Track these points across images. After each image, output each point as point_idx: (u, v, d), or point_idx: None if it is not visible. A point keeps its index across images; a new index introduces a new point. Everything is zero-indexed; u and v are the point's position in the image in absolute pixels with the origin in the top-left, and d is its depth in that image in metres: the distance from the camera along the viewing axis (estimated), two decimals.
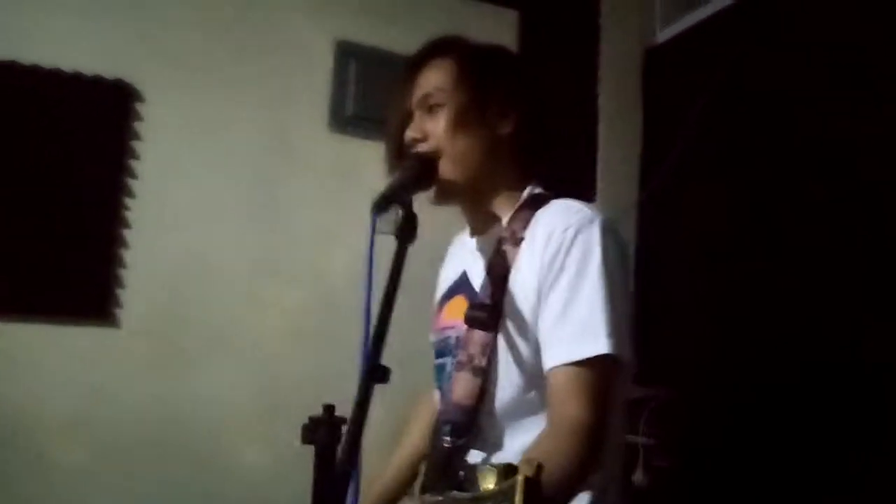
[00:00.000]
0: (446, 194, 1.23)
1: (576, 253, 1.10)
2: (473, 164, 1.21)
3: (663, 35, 2.76)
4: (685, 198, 2.54)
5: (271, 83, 2.32)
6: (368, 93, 2.39)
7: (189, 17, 2.23)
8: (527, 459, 0.72)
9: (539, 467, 0.70)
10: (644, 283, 2.68)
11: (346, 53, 2.40)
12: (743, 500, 2.00)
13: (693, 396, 2.23)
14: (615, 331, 1.07)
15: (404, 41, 2.50)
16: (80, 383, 2.01)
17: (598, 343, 1.06)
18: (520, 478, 0.62)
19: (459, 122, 1.19)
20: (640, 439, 2.12)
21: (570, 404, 1.05)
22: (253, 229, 2.26)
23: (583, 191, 2.72)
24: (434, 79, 1.23)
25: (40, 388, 1.97)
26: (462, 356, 1.16)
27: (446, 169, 1.20)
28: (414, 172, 1.13)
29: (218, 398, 2.15)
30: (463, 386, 1.15)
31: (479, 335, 1.15)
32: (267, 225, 2.28)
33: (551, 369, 1.09)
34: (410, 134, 1.22)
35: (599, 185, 2.74)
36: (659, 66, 2.77)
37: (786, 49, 2.19)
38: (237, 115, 2.27)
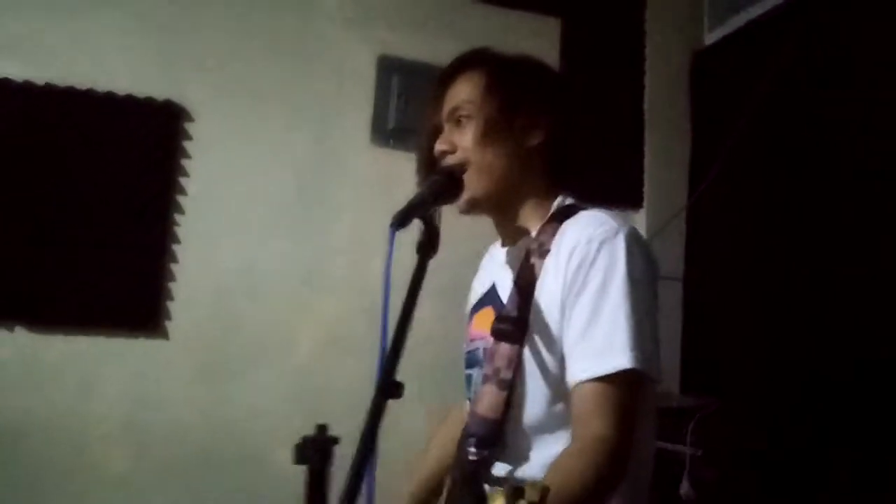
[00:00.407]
0: (473, 206, 1.22)
1: (600, 265, 1.09)
2: (500, 176, 1.21)
3: (711, 37, 2.70)
4: (734, 203, 2.47)
5: (315, 99, 2.37)
6: (410, 106, 2.42)
7: (234, 37, 2.30)
8: (532, 483, 0.71)
9: (544, 490, 0.69)
10: (691, 291, 2.63)
11: (388, 68, 2.44)
12: None
13: (741, 406, 2.16)
14: (639, 345, 1.05)
15: (446, 53, 2.50)
16: (131, 393, 2.09)
17: (621, 358, 1.04)
18: (522, 502, 0.62)
19: (487, 134, 1.19)
20: (687, 450, 2.06)
21: (593, 421, 1.04)
22: (297, 241, 2.31)
23: (630, 198, 2.68)
24: (463, 92, 1.24)
25: (92, 399, 2.06)
26: (488, 369, 1.16)
27: (473, 180, 1.20)
28: (436, 187, 1.13)
29: (264, 407, 2.20)
30: (488, 399, 1.15)
31: (505, 348, 1.15)
32: (311, 237, 2.33)
33: (575, 385, 1.08)
34: (439, 146, 1.23)
35: (647, 191, 2.69)
36: (707, 68, 2.71)
37: (836, 49, 2.11)
38: (281, 131, 2.33)
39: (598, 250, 1.10)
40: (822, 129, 2.12)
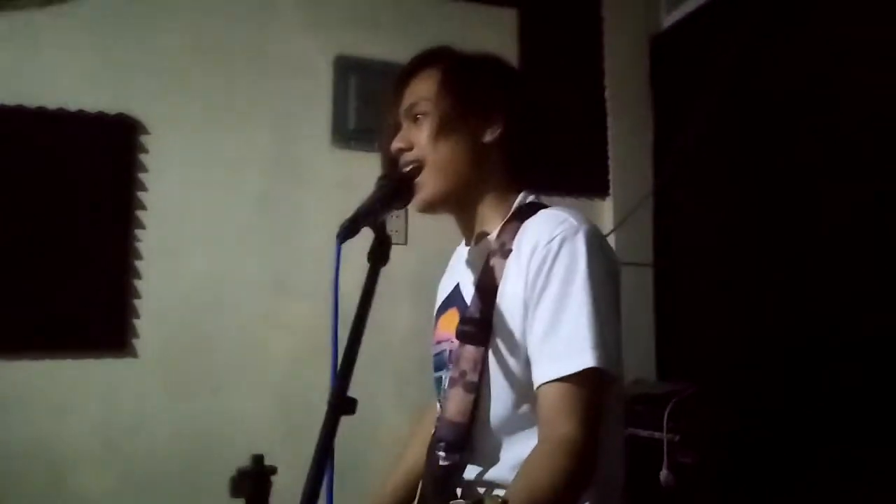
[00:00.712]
0: (429, 205, 1.20)
1: (560, 265, 1.07)
2: (456, 173, 1.20)
3: (669, 20, 2.70)
4: (700, 186, 2.48)
5: (273, 104, 2.34)
6: (370, 105, 2.39)
7: (186, 46, 2.27)
8: (493, 496, 0.70)
9: (504, 503, 0.69)
10: (662, 277, 2.64)
11: (345, 68, 2.41)
12: (770, 494, 1.94)
13: (717, 389, 2.17)
14: (601, 343, 1.04)
15: (403, 50, 2.47)
16: (103, 414, 2.06)
17: (583, 357, 1.03)
18: None
19: (441, 130, 1.18)
20: (665, 436, 2.07)
21: (559, 422, 1.03)
22: (263, 249, 2.28)
23: (596, 186, 2.68)
24: (420, 89, 1.22)
25: (63, 423, 2.03)
26: (455, 372, 1.15)
27: (429, 178, 1.18)
28: (385, 193, 1.11)
29: (239, 420, 2.18)
30: (456, 402, 1.13)
31: (470, 350, 1.13)
32: (277, 244, 2.30)
33: (539, 386, 1.06)
34: (395, 144, 1.22)
35: (613, 179, 2.69)
36: (666, 52, 2.71)
37: (796, 25, 2.11)
38: (241, 138, 2.30)
39: (559, 250, 1.08)
40: (786, 107, 2.12)
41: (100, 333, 2.07)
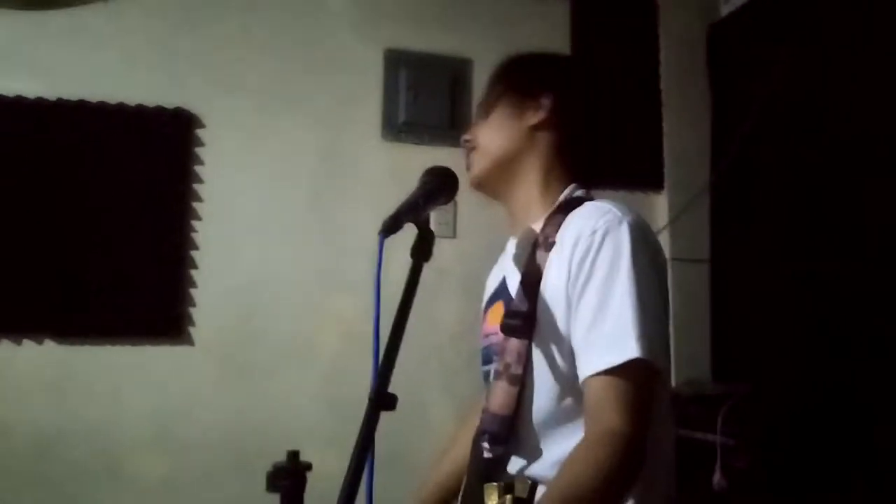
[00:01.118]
0: (477, 184, 1.30)
1: (604, 256, 1.06)
2: (499, 154, 1.26)
3: (727, 7, 2.61)
4: (759, 179, 2.40)
5: (324, 97, 2.37)
6: (419, 99, 2.40)
7: (241, 42, 2.31)
8: (521, 479, 0.69)
9: (533, 486, 0.68)
10: (718, 273, 2.56)
11: (396, 61, 2.42)
12: (825, 500, 1.87)
13: (774, 391, 2.10)
14: (646, 334, 1.02)
15: (452, 43, 2.51)
16: (158, 401, 2.13)
17: (629, 348, 1.01)
18: (509, 497, 0.62)
19: (490, 114, 1.27)
20: (718, 439, 2.02)
21: (605, 414, 1.01)
22: (314, 241, 2.31)
23: (650, 180, 2.62)
24: (489, 89, 1.33)
25: (120, 408, 2.10)
26: (500, 364, 1.15)
27: (476, 160, 1.28)
28: (427, 188, 1.11)
29: (288, 409, 2.22)
30: (500, 395, 1.13)
31: (514, 343, 1.13)
32: (327, 236, 2.33)
33: (585, 379, 1.05)
34: (463, 137, 1.33)
35: (667, 172, 2.63)
36: (724, 40, 2.63)
37: (860, 13, 2.02)
38: (293, 131, 2.33)
39: (602, 241, 1.07)
40: (849, 97, 2.03)
41: (157, 321, 2.13)
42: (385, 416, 2.52)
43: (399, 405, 2.51)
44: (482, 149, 1.27)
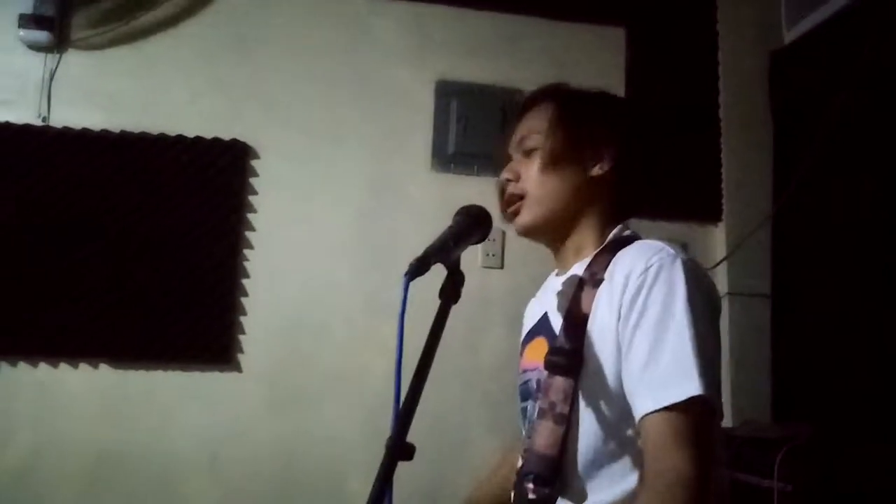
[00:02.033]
0: (527, 232, 1.25)
1: (658, 292, 1.04)
2: (558, 206, 1.21)
3: (790, 35, 2.52)
4: (823, 211, 2.29)
5: (375, 128, 2.40)
6: (469, 129, 2.40)
7: (293, 73, 2.37)
8: None
9: None
10: (780, 308, 2.45)
11: (446, 92, 2.43)
12: None
13: (836, 436, 1.98)
14: (707, 372, 0.99)
15: (503, 73, 2.50)
16: (208, 425, 2.17)
17: (690, 385, 0.98)
18: None
19: (550, 164, 1.21)
20: (775, 485, 1.91)
21: (667, 455, 0.97)
22: (362, 271, 2.33)
23: (708, 211, 2.54)
24: (532, 123, 1.26)
25: (171, 431, 2.15)
26: (544, 402, 1.12)
27: (529, 208, 1.22)
28: (458, 228, 1.09)
29: (337, 436, 2.22)
30: (545, 435, 1.10)
31: (559, 381, 1.10)
32: (375, 266, 2.34)
33: (643, 418, 1.01)
34: (504, 174, 1.25)
35: (726, 203, 2.54)
36: (787, 68, 2.53)
37: None
38: (344, 162, 2.37)
39: (656, 278, 1.05)
40: None
41: (207, 347, 2.18)
42: (427, 449, 2.48)
43: (440, 437, 2.51)
44: (536, 199, 1.21)
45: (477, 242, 1.15)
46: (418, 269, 1.00)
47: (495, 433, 2.26)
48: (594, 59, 2.53)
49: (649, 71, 2.56)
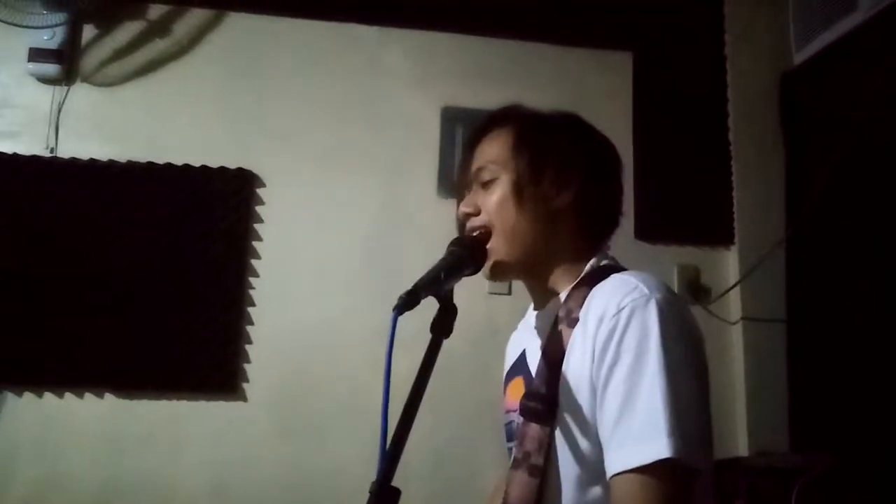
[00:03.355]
0: (497, 273, 1.15)
1: (630, 338, 0.97)
2: (526, 241, 1.13)
3: (800, 56, 2.49)
4: (839, 233, 2.24)
5: (381, 156, 2.39)
6: None
7: (300, 101, 2.38)
8: None
9: None
10: (796, 334, 2.39)
11: (453, 119, 2.43)
12: None
13: (856, 466, 1.92)
14: (679, 430, 0.92)
15: (511, 99, 2.47)
16: (214, 455, 2.15)
17: (658, 446, 0.91)
18: None
19: (512, 197, 1.12)
20: None
21: None
22: (369, 299, 2.31)
23: (720, 234, 2.50)
24: (489, 152, 1.17)
25: (177, 461, 2.13)
26: (518, 452, 1.07)
27: (497, 246, 1.13)
28: (450, 261, 1.06)
29: (343, 466, 2.19)
30: (520, 488, 1.05)
31: (534, 429, 1.05)
32: (382, 293, 2.29)
33: (612, 476, 0.96)
34: (463, 209, 1.18)
35: (738, 224, 2.50)
36: (798, 90, 2.50)
37: None
38: (350, 189, 2.36)
39: (628, 322, 0.98)
40: None
41: (213, 376, 2.17)
42: (434, 481, 2.47)
43: (448, 469, 2.46)
44: (504, 233, 1.12)
45: (471, 274, 1.11)
46: (407, 303, 0.97)
47: (505, 462, 2.21)
48: (601, 85, 2.51)
49: (657, 95, 2.54)
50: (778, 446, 2.30)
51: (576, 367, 1.03)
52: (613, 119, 2.45)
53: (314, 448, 2.20)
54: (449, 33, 2.49)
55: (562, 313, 1.09)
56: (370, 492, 0.81)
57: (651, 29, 2.58)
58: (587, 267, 1.14)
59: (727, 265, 2.49)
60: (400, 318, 1.02)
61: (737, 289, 2.43)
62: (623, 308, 0.98)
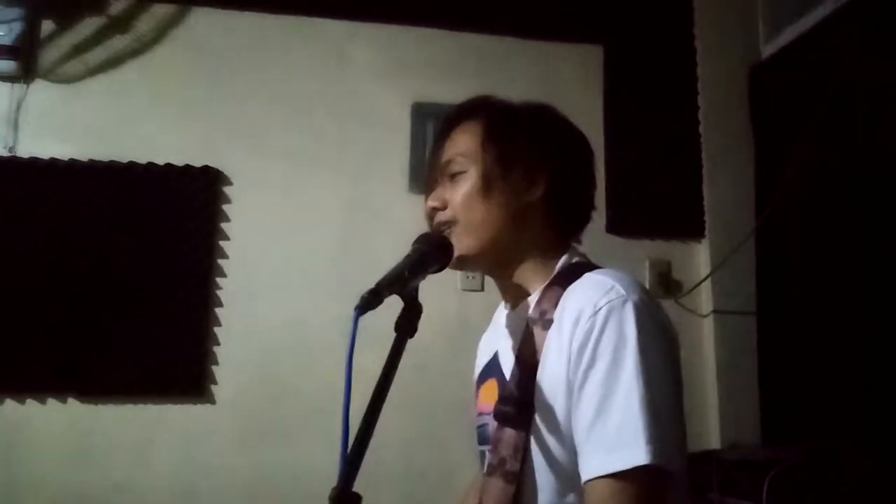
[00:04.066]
0: (461, 264, 1.13)
1: (606, 341, 0.96)
2: (491, 235, 1.10)
3: (768, 49, 2.51)
4: (808, 225, 2.26)
5: (351, 152, 2.36)
6: None
7: (266, 97, 2.34)
8: None
9: None
10: (766, 326, 2.41)
11: (423, 114, 2.40)
12: None
13: (828, 457, 1.93)
14: (656, 435, 0.91)
15: (483, 93, 2.46)
16: (181, 459, 2.11)
17: (635, 452, 0.91)
18: None
19: (479, 191, 1.10)
20: None
21: None
22: (339, 297, 2.24)
23: (690, 228, 2.50)
24: (457, 145, 1.15)
25: (143, 466, 2.09)
26: (493, 458, 1.05)
27: (461, 238, 1.11)
28: (414, 258, 1.04)
29: (315, 468, 2.14)
30: (495, 494, 1.03)
31: (510, 434, 1.03)
32: (352, 291, 2.24)
33: (587, 482, 0.94)
34: (430, 203, 1.15)
35: (708, 217, 2.50)
36: (767, 83, 2.51)
37: None
38: (320, 186, 2.33)
39: (605, 324, 0.96)
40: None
41: (180, 379, 2.13)
42: (406, 474, 2.44)
43: (420, 466, 2.44)
44: (466, 226, 1.10)
45: (437, 271, 1.08)
46: (369, 302, 0.94)
47: (476, 465, 2.20)
48: (572, 78, 2.51)
49: (628, 89, 2.54)
50: (750, 438, 2.31)
51: (552, 371, 1.01)
52: (584, 113, 2.40)
53: (285, 450, 2.16)
54: (418, 27, 2.46)
55: (534, 314, 1.07)
56: (329, 498, 0.78)
57: (622, 22, 2.58)
58: (558, 265, 1.12)
59: (698, 258, 2.50)
60: (370, 316, 0.99)
61: (707, 282, 2.44)
62: (599, 310, 0.97)
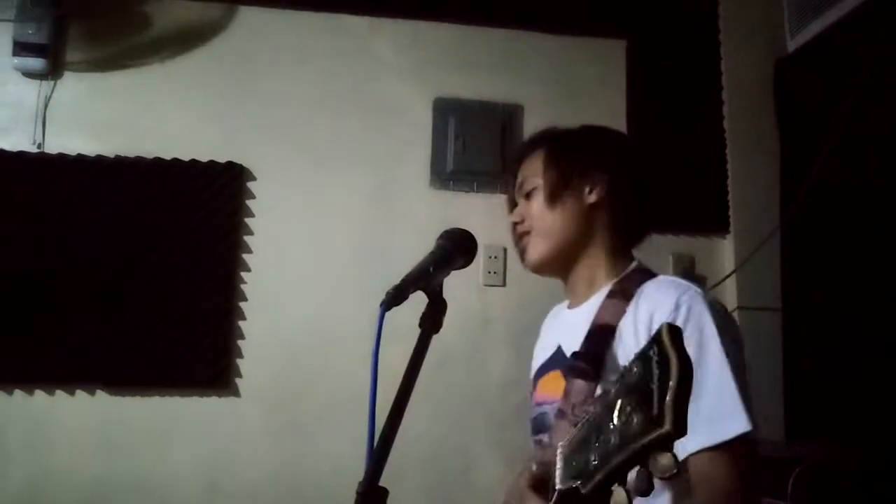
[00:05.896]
0: (538, 267, 1.32)
1: (691, 329, 1.07)
2: (562, 237, 1.29)
3: (794, 43, 2.47)
4: (835, 221, 2.23)
5: (373, 147, 2.37)
6: (468, 146, 2.37)
7: (290, 93, 2.35)
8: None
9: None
10: (792, 323, 2.38)
11: (444, 110, 2.40)
12: None
13: (852, 455, 1.91)
14: (749, 406, 1.03)
15: (503, 89, 2.47)
16: (206, 451, 2.13)
17: (737, 422, 1.01)
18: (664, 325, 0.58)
19: (548, 200, 1.29)
20: None
21: (721, 494, 1.01)
22: (362, 291, 2.28)
23: (715, 224, 2.48)
24: (528, 169, 1.35)
25: (169, 458, 2.12)
26: (564, 404, 1.14)
27: (536, 244, 1.30)
28: (438, 254, 1.07)
29: (338, 462, 2.16)
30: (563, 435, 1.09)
31: (580, 384, 1.13)
32: (375, 286, 2.27)
33: (689, 456, 1.02)
34: (511, 219, 1.36)
35: (733, 212, 2.48)
36: (792, 77, 2.48)
37: None
38: (342, 182, 2.34)
39: (688, 314, 1.09)
40: None
41: (205, 372, 2.15)
42: (429, 468, 2.45)
43: (443, 460, 2.45)
44: (540, 232, 1.29)
45: (461, 267, 1.12)
46: (395, 298, 0.97)
47: (500, 455, 2.20)
48: (595, 73, 2.49)
49: (652, 84, 2.52)
50: (773, 435, 2.29)
51: (627, 344, 1.11)
52: (607, 108, 2.43)
53: (308, 443, 2.18)
54: (441, 23, 2.46)
55: (616, 288, 1.22)
56: (357, 492, 0.79)
57: (645, 17, 2.55)
58: (627, 270, 1.28)
59: (722, 254, 2.48)
60: (394, 311, 1.02)
61: (732, 277, 2.41)
62: (681, 306, 1.10)
